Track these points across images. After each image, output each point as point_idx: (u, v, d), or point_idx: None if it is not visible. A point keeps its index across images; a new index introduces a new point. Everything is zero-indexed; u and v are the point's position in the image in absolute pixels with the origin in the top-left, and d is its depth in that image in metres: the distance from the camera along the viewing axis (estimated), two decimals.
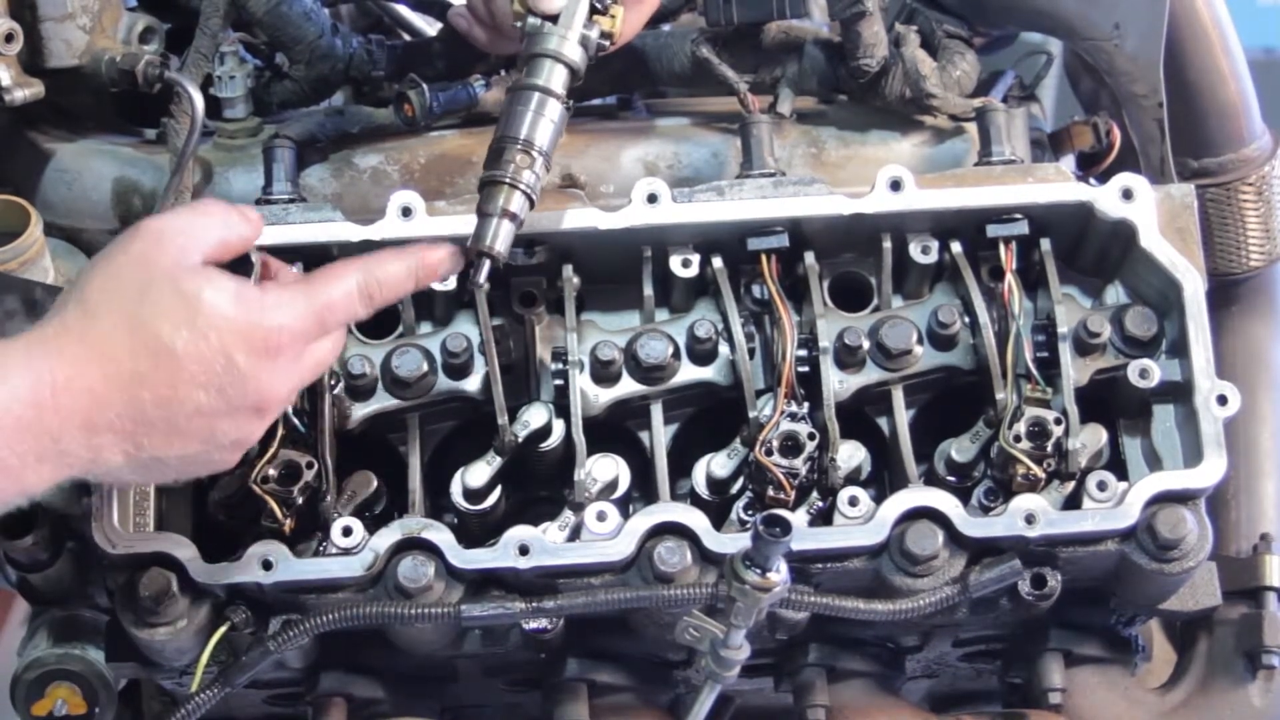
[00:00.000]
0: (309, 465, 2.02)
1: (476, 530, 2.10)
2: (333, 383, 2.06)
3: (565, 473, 2.06)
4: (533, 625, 2.06)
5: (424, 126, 2.27)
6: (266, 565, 1.98)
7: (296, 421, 2.03)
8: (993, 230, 2.12)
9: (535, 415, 2.09)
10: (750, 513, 2.10)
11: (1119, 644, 2.26)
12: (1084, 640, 2.23)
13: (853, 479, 2.09)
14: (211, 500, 2.05)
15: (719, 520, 2.09)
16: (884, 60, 2.23)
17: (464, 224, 2.01)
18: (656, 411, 2.12)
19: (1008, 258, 2.11)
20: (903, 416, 2.12)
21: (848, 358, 2.10)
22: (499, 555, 2.01)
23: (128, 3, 2.36)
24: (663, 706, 2.25)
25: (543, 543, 2.02)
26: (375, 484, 2.09)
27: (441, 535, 2.01)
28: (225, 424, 1.76)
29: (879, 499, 2.05)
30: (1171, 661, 2.39)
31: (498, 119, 2.01)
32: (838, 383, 2.09)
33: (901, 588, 2.03)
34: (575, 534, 2.05)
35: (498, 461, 2.08)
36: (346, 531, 2.00)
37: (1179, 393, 2.10)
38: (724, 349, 2.11)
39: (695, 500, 2.11)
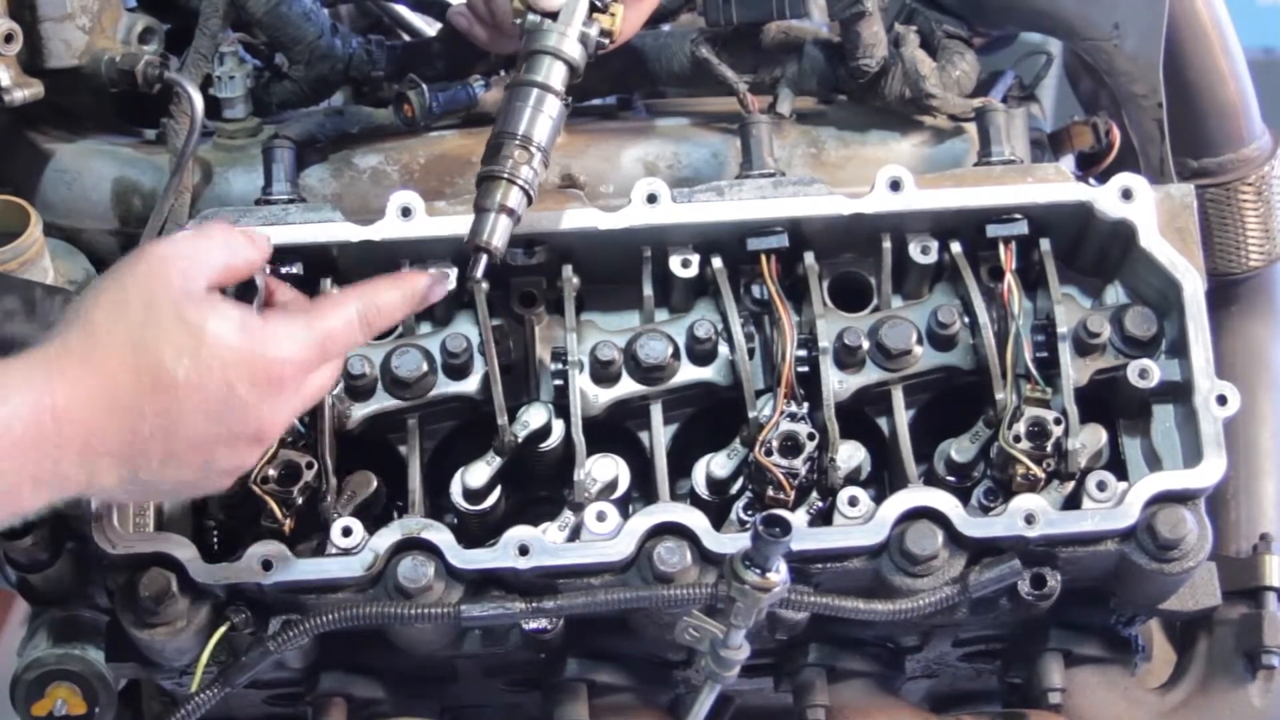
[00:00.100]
0: (309, 465, 2.02)
1: (476, 530, 2.10)
2: None
3: (565, 473, 2.06)
4: (533, 625, 2.06)
5: (424, 127, 2.27)
6: (266, 565, 1.98)
7: (296, 422, 2.03)
8: (992, 230, 2.12)
9: (535, 415, 2.09)
10: (750, 513, 2.10)
11: (1119, 644, 2.26)
12: (1084, 640, 2.23)
13: (852, 479, 2.09)
14: (211, 501, 2.05)
15: (719, 520, 2.09)
16: (884, 60, 2.23)
17: (464, 224, 2.01)
18: (656, 411, 2.12)
19: (1007, 258, 2.11)
20: (902, 416, 2.12)
21: (847, 358, 2.10)
22: (499, 555, 2.01)
23: (128, 3, 2.36)
24: (663, 706, 2.25)
25: (543, 543, 2.02)
26: (375, 484, 2.09)
27: (441, 535, 2.01)
28: (223, 452, 1.76)
29: (879, 499, 2.05)
30: (1171, 661, 2.39)
31: (495, 120, 2.01)
32: (837, 383, 2.09)
33: (901, 588, 2.03)
34: (575, 534, 2.05)
35: (497, 461, 2.08)
36: (346, 531, 2.00)
37: (1179, 393, 2.10)
38: (724, 349, 2.11)
39: (695, 500, 2.11)
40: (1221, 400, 2.06)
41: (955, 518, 2.03)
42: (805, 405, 2.08)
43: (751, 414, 2.07)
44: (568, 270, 2.11)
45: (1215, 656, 2.34)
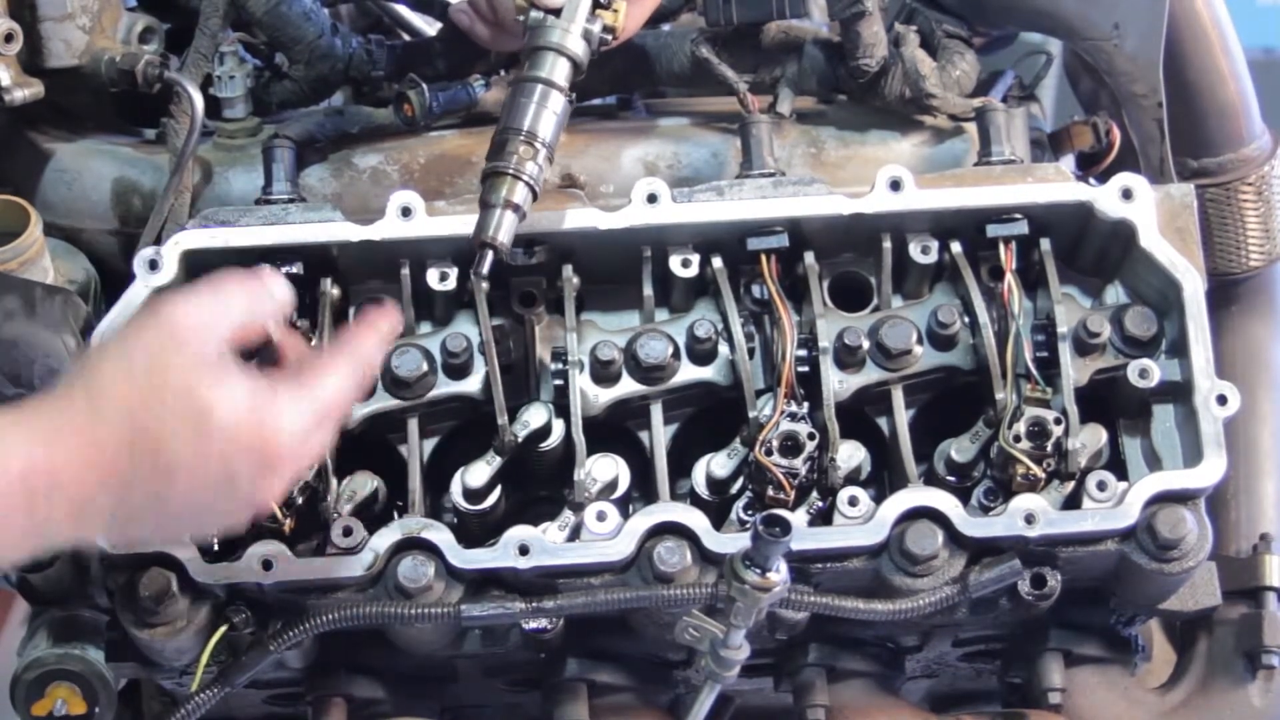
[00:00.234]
0: (309, 465, 2.02)
1: (476, 530, 2.10)
2: None
3: (565, 473, 2.06)
4: (533, 625, 2.06)
5: (424, 126, 2.27)
6: (266, 565, 1.98)
7: None
8: (992, 230, 2.12)
9: (535, 415, 2.09)
10: (750, 513, 2.10)
11: (1119, 644, 2.25)
12: (1084, 640, 2.23)
13: (853, 479, 2.09)
14: None
15: (719, 520, 2.08)
16: (884, 60, 2.23)
17: (464, 223, 2.02)
18: (656, 411, 2.12)
19: (1007, 258, 2.11)
20: (902, 416, 2.12)
21: (848, 358, 2.10)
22: (499, 555, 2.01)
23: (128, 3, 2.36)
24: (663, 706, 2.25)
25: (543, 543, 2.02)
26: (375, 484, 2.09)
27: (441, 535, 2.01)
28: (214, 517, 1.77)
29: (879, 499, 2.05)
30: (1171, 661, 2.39)
31: (498, 117, 2.01)
32: (837, 383, 2.09)
33: (901, 588, 2.03)
34: (575, 534, 2.04)
35: (498, 461, 2.08)
36: (346, 531, 2.00)
37: (1179, 393, 2.10)
38: (724, 349, 2.11)
39: (695, 500, 2.11)
40: (1221, 400, 2.06)
41: (955, 518, 2.03)
42: (805, 405, 2.07)
43: (751, 414, 2.07)
44: (568, 270, 2.11)
45: (1215, 656, 2.34)
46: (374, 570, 2.00)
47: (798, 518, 2.04)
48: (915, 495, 2.04)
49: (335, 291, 2.10)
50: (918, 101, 2.24)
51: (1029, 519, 2.02)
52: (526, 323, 2.10)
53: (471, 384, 2.10)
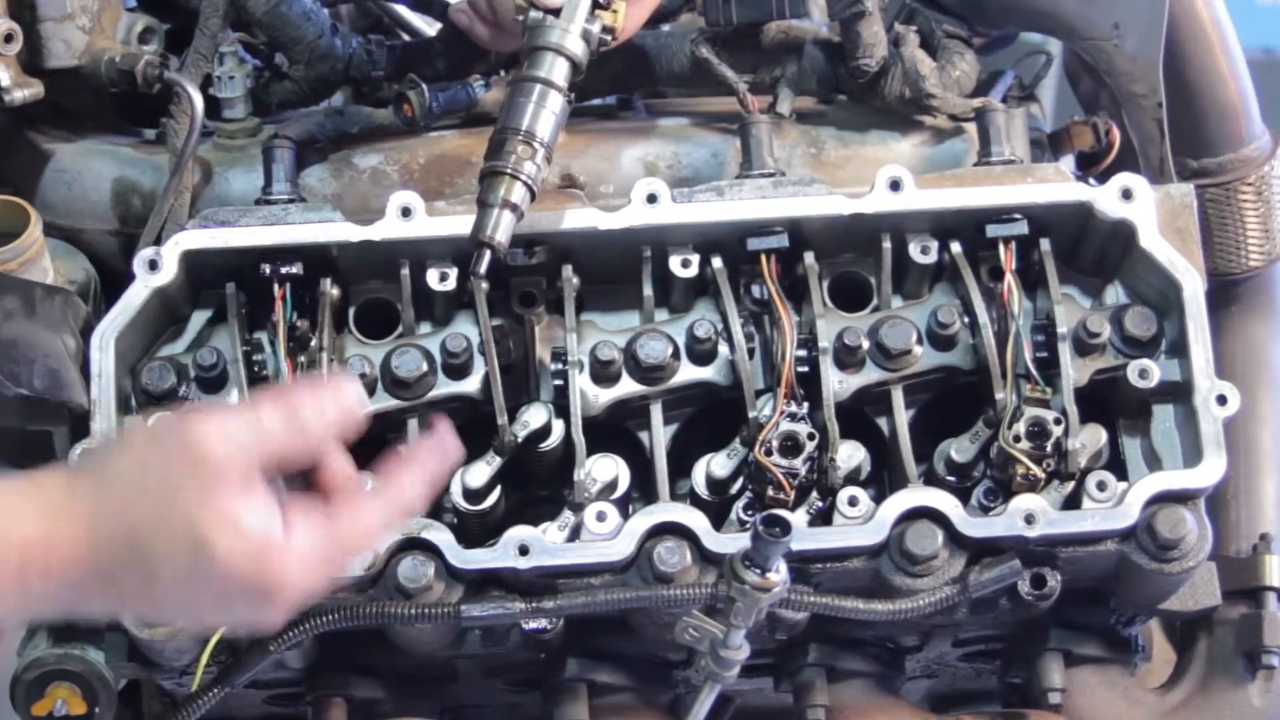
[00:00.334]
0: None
1: (476, 530, 2.10)
2: None
3: (565, 473, 2.06)
4: (533, 625, 2.06)
5: (424, 126, 2.27)
6: None
7: None
8: (992, 230, 2.12)
9: (535, 415, 2.09)
10: (750, 513, 2.10)
11: (1119, 644, 2.25)
12: (1084, 640, 2.23)
13: (852, 479, 2.09)
14: None
15: (719, 520, 2.09)
16: (883, 60, 2.23)
17: (464, 223, 2.01)
18: (656, 411, 2.12)
19: (1007, 258, 2.11)
20: (902, 416, 2.12)
21: (847, 358, 2.10)
22: (499, 555, 2.01)
23: (127, 3, 2.36)
24: (663, 706, 2.25)
25: (543, 543, 2.02)
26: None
27: (441, 535, 2.01)
28: (204, 626, 1.81)
29: (879, 499, 2.05)
30: (1171, 661, 2.39)
31: (498, 117, 2.01)
32: (837, 383, 2.09)
33: (901, 588, 2.03)
34: (575, 534, 2.05)
35: (497, 461, 2.08)
36: None
37: (1179, 393, 2.10)
38: (724, 349, 2.11)
39: (695, 500, 2.11)
40: (1221, 400, 2.06)
41: (955, 518, 2.03)
42: (805, 405, 2.07)
43: (751, 414, 2.07)
44: (568, 270, 2.11)
45: (1215, 656, 2.33)
46: (374, 570, 2.00)
47: (798, 518, 2.04)
48: (915, 495, 2.04)
49: (335, 291, 2.10)
50: (918, 101, 2.24)
51: (1029, 519, 2.02)
52: (526, 323, 2.10)
53: (471, 384, 2.10)
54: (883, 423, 2.14)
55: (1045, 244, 2.11)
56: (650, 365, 2.10)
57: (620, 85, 2.40)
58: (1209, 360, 2.07)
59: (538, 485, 2.16)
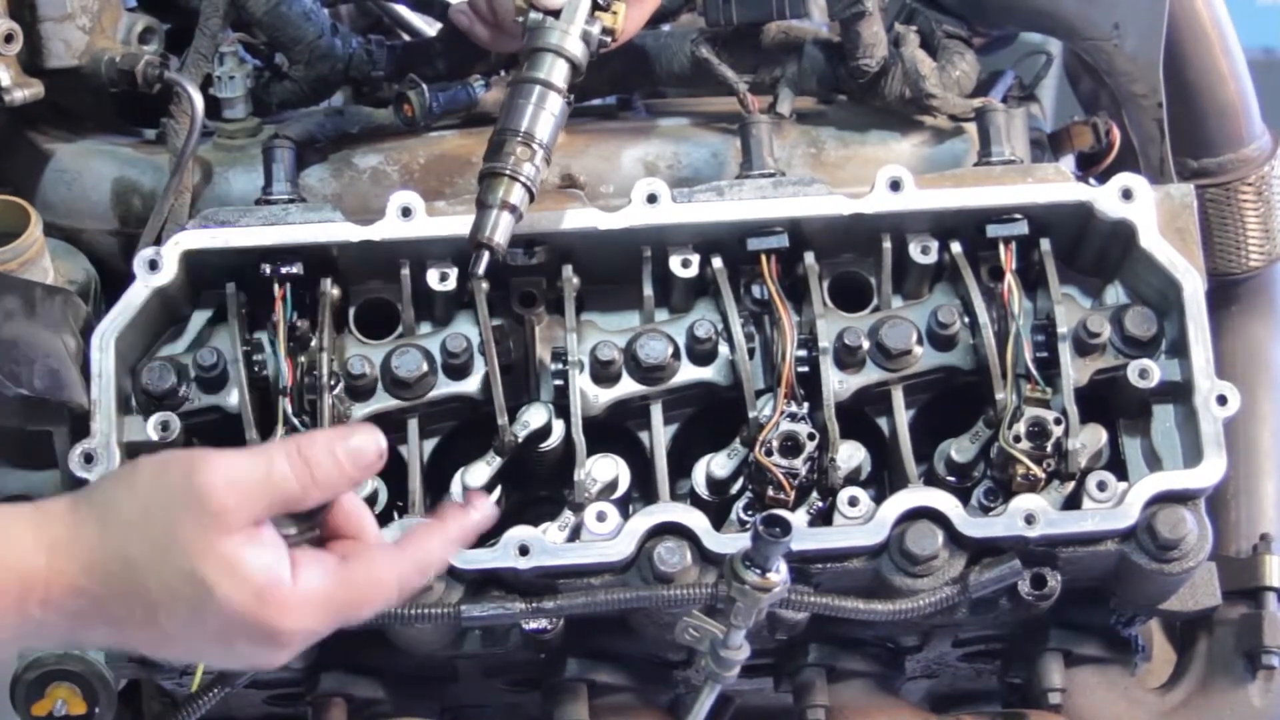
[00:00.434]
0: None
1: None
2: (332, 383, 2.06)
3: (565, 473, 2.06)
4: (533, 625, 2.06)
5: (424, 127, 2.27)
6: None
7: (296, 422, 2.03)
8: (992, 230, 2.12)
9: (535, 415, 2.09)
10: (750, 513, 2.10)
11: (1119, 644, 2.25)
12: (1084, 640, 2.23)
13: (853, 479, 2.09)
14: None
15: (719, 520, 2.09)
16: (884, 60, 2.23)
17: (464, 224, 2.01)
18: (656, 411, 2.12)
19: (1007, 258, 2.11)
20: (902, 416, 2.12)
21: (848, 358, 2.10)
22: (499, 555, 2.01)
23: (128, 3, 2.36)
24: (663, 706, 2.25)
25: (543, 543, 2.02)
26: (375, 485, 2.08)
27: None
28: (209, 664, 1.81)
29: (879, 499, 2.05)
30: (1171, 661, 2.39)
31: (497, 117, 2.01)
32: (837, 383, 2.09)
33: (901, 588, 2.03)
34: (575, 534, 2.05)
35: (497, 461, 2.08)
36: None
37: (1179, 393, 2.10)
38: (724, 349, 2.11)
39: (695, 500, 2.11)
40: (1221, 400, 2.06)
41: (955, 518, 2.03)
42: (805, 405, 2.07)
43: (751, 414, 2.07)
44: (568, 270, 2.11)
45: (1215, 656, 2.34)
46: None
47: (798, 518, 2.04)
48: (915, 495, 2.04)
49: (335, 292, 2.10)
50: (918, 101, 2.24)
51: (1029, 519, 2.02)
52: (526, 323, 2.10)
53: (471, 384, 2.10)
54: (883, 423, 2.14)
55: (1045, 244, 2.11)
56: (650, 365, 2.10)
57: (620, 85, 2.40)
58: (1209, 360, 2.07)
59: (538, 485, 2.16)
